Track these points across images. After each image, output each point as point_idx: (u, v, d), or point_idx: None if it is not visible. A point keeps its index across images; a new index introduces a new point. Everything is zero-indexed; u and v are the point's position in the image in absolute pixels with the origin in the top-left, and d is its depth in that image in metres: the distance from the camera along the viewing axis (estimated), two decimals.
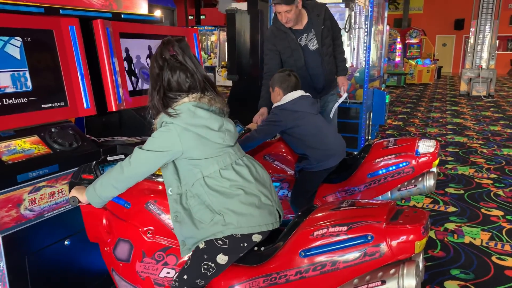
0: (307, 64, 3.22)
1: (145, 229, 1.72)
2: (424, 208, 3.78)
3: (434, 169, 2.42)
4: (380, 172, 2.41)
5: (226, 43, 14.96)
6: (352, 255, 1.43)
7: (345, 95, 3.34)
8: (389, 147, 2.49)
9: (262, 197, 1.63)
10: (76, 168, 1.86)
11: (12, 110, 1.98)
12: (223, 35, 15.27)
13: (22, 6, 2.09)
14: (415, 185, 2.39)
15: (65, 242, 1.96)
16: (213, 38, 15.49)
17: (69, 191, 1.78)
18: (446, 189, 4.27)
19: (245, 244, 1.61)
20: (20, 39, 2.03)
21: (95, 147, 2.24)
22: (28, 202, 1.85)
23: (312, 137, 2.51)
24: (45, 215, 1.89)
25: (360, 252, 1.41)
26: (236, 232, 1.58)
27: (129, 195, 1.74)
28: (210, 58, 15.87)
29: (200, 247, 1.61)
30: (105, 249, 1.81)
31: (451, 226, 3.40)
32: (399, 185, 2.43)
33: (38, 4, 2.18)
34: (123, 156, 1.90)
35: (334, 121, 3.50)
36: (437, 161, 2.36)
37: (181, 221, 1.61)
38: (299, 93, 2.56)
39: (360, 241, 1.42)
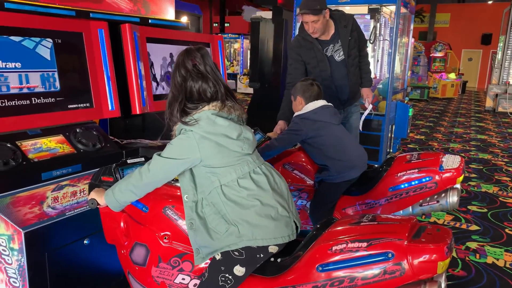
0: (332, 75, 3.20)
1: (162, 234, 1.72)
2: (445, 225, 3.68)
3: (458, 186, 2.36)
4: (402, 186, 2.36)
5: (249, 51, 15.10)
6: (371, 272, 1.38)
7: (370, 106, 3.30)
8: (412, 161, 2.44)
9: (279, 208, 1.61)
10: (97, 169, 1.88)
11: (40, 109, 2.03)
12: (246, 43, 15.39)
13: (54, 8, 2.15)
14: (438, 201, 2.33)
15: (84, 241, 1.98)
16: (236, 45, 15.62)
17: (89, 192, 1.80)
18: (469, 207, 4.15)
19: (262, 255, 1.59)
20: (51, 40, 2.09)
21: (118, 149, 2.27)
22: (51, 200, 1.89)
23: (332, 147, 2.49)
24: (66, 214, 1.92)
25: (380, 270, 1.37)
26: (251, 244, 1.56)
27: (147, 199, 1.74)
28: (233, 66, 15.99)
29: (217, 258, 1.60)
30: (122, 251, 1.82)
31: (473, 245, 3.31)
32: (421, 200, 2.37)
33: (70, 7, 2.24)
34: (143, 159, 1.92)
35: (356, 132, 3.47)
36: (461, 178, 2.30)
37: (196, 229, 1.61)
38: (321, 102, 2.55)
39: (380, 258, 1.38)
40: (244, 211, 1.56)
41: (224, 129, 1.58)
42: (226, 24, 19.23)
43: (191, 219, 1.62)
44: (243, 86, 14.06)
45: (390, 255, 1.36)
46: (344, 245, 1.44)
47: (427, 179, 2.30)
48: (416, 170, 2.35)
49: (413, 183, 2.34)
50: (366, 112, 3.31)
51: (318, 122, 2.48)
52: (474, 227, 3.66)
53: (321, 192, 2.55)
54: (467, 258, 3.08)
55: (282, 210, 1.62)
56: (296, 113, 2.57)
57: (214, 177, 1.60)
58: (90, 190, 1.82)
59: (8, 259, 1.75)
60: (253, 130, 2.90)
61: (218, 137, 1.58)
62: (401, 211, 2.43)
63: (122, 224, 1.80)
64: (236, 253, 1.57)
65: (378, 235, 1.42)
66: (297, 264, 1.55)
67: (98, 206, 1.73)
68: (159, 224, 1.73)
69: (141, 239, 1.75)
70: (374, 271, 1.38)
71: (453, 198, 2.31)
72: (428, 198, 2.35)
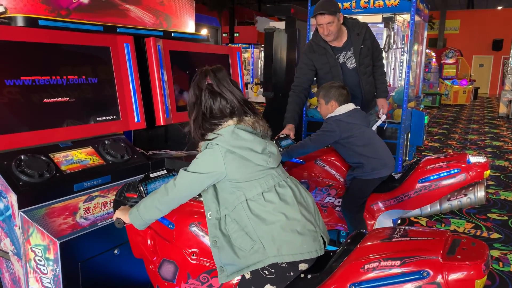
0: (345, 82, 3.21)
1: (189, 251, 1.72)
2: (465, 233, 3.66)
3: (484, 181, 2.38)
4: (432, 177, 2.40)
5: (259, 60, 15.19)
6: None
7: (383, 117, 3.31)
8: (441, 157, 2.51)
9: (306, 223, 1.59)
10: (122, 184, 1.90)
11: (71, 122, 2.09)
12: (257, 52, 15.50)
13: (84, 24, 2.21)
14: (466, 194, 2.36)
15: (115, 251, 2.01)
16: (247, 55, 15.73)
17: (114, 209, 1.82)
18: (489, 215, 4.12)
19: (292, 273, 1.57)
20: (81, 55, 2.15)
21: (144, 160, 2.32)
22: (83, 210, 1.93)
23: (365, 147, 2.58)
24: (98, 224, 1.96)
25: None
26: (277, 261, 1.54)
27: (173, 216, 1.75)
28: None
29: (247, 277, 1.58)
30: (150, 267, 1.83)
31: (495, 253, 3.28)
32: (449, 195, 2.39)
33: (98, 23, 2.30)
34: (165, 171, 1.94)
35: None
36: (488, 172, 2.36)
37: (220, 246, 1.60)
38: (352, 105, 2.65)
39: (415, 277, 1.34)
40: (269, 226, 1.55)
41: (249, 143, 1.60)
42: (235, 34, 19.40)
43: (215, 237, 1.61)
44: (254, 95, 14.12)
45: (425, 274, 1.33)
46: (377, 264, 1.40)
47: (456, 170, 2.33)
48: (445, 163, 2.41)
49: (442, 174, 2.38)
50: (379, 122, 3.32)
51: (351, 124, 2.58)
52: (495, 235, 3.63)
53: (354, 188, 2.61)
54: (490, 267, 3.05)
55: (308, 225, 1.60)
56: (329, 115, 2.65)
57: (239, 191, 1.60)
58: (115, 207, 1.82)
59: (43, 269, 1.79)
60: (284, 135, 2.98)
61: (244, 150, 1.59)
62: (428, 208, 2.45)
63: (149, 241, 1.80)
64: (266, 272, 1.55)
65: (412, 253, 1.39)
66: (328, 281, 1.52)
67: (125, 225, 1.74)
68: (186, 241, 1.73)
69: (169, 256, 1.75)
70: None
71: (480, 193, 2.34)
72: (455, 192, 2.37)
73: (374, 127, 3.35)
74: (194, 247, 1.72)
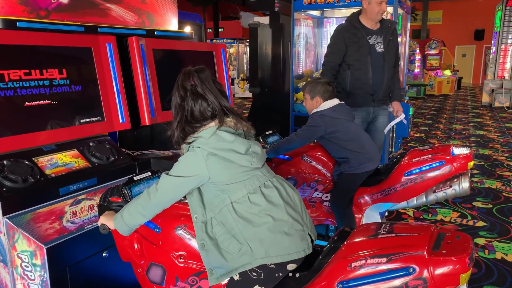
0: (371, 63, 3.30)
1: (177, 254, 1.70)
2: (451, 223, 3.72)
3: (468, 172, 2.43)
4: (417, 170, 2.44)
5: (244, 56, 15.14)
6: None
7: (402, 115, 3.38)
8: (426, 150, 2.55)
9: (293, 223, 1.59)
10: (109, 184, 1.88)
11: (54, 125, 2.05)
12: (242, 47, 15.45)
13: (64, 25, 2.18)
14: (451, 186, 2.40)
15: (104, 254, 2.00)
16: (232, 50, 15.67)
17: (98, 214, 1.79)
18: (474, 203, 4.20)
19: (280, 274, 1.57)
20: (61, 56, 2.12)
21: (131, 161, 2.30)
22: (70, 214, 1.91)
23: (351, 142, 2.61)
24: (85, 227, 1.93)
25: (401, 285, 1.35)
26: (265, 262, 1.54)
27: (159, 219, 1.72)
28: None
29: (235, 279, 1.57)
30: (138, 270, 1.81)
31: (481, 241, 3.34)
32: (434, 187, 2.42)
33: (79, 23, 2.27)
34: (149, 173, 1.91)
35: (381, 136, 3.52)
36: (471, 163, 2.39)
37: (208, 249, 1.58)
38: (337, 101, 2.68)
39: (401, 273, 1.35)
40: (256, 229, 1.54)
41: (231, 144, 1.58)
42: (220, 30, 19.29)
43: (202, 240, 1.59)
44: (241, 91, 14.10)
45: (411, 270, 1.34)
46: (364, 261, 1.42)
47: (440, 163, 2.37)
48: (430, 156, 2.44)
49: (426, 167, 2.41)
50: (397, 120, 3.39)
51: (336, 118, 2.61)
52: (480, 223, 3.70)
53: (342, 183, 2.63)
54: (476, 255, 3.11)
55: (295, 224, 1.60)
56: (314, 110, 2.68)
57: (224, 194, 1.58)
58: (99, 212, 1.79)
59: (31, 275, 1.77)
60: (271, 132, 2.99)
61: (226, 152, 1.57)
62: (415, 200, 2.48)
63: (135, 245, 1.78)
64: (254, 274, 1.55)
65: (397, 249, 1.40)
66: (316, 280, 1.53)
67: (110, 230, 1.71)
68: (172, 244, 1.71)
69: (156, 260, 1.73)
70: (395, 286, 1.36)
71: (465, 184, 2.38)
72: (441, 184, 2.41)
73: (391, 125, 3.47)
74: (181, 250, 1.70)
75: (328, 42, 3.52)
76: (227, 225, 1.57)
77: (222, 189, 1.58)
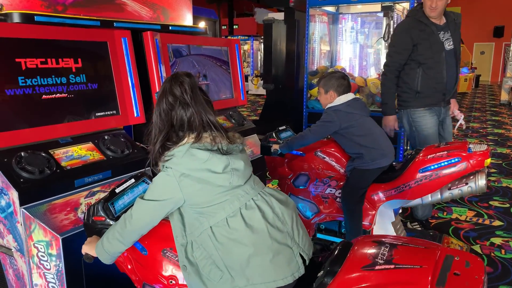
0: (445, 61, 3.11)
1: (167, 275, 1.61)
2: (467, 222, 3.66)
3: (485, 170, 2.38)
4: (432, 167, 2.38)
5: (259, 52, 15.12)
6: None
7: (462, 116, 3.25)
8: (441, 147, 2.49)
9: (278, 247, 1.44)
10: (123, 177, 1.84)
11: (70, 118, 2.09)
12: (256, 44, 15.43)
13: (81, 19, 2.20)
14: (467, 183, 2.35)
15: None
16: (246, 47, 15.66)
17: (86, 232, 1.70)
18: (491, 202, 4.12)
19: None
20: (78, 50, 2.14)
21: (145, 154, 2.31)
22: (85, 206, 1.94)
23: (365, 137, 2.57)
24: None
25: None
26: None
27: (145, 241, 1.62)
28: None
29: None
30: (135, 284, 1.74)
31: (497, 240, 3.29)
32: (449, 184, 2.38)
33: (95, 18, 2.29)
34: (133, 180, 1.79)
35: (450, 138, 3.41)
36: (488, 160, 2.34)
37: (189, 273, 1.49)
38: (352, 95, 2.64)
39: None
40: (237, 256, 1.42)
41: (206, 163, 1.43)
42: (235, 26, 19.29)
43: (183, 263, 1.50)
44: (254, 87, 14.10)
45: None
46: None
47: (456, 159, 2.32)
48: (446, 152, 2.39)
49: (442, 163, 2.36)
50: (460, 121, 3.28)
51: (351, 113, 2.57)
52: (497, 223, 3.63)
53: (354, 178, 2.60)
54: (492, 254, 3.06)
55: (282, 248, 1.45)
56: (328, 105, 2.65)
57: (202, 218, 1.46)
58: (86, 231, 1.70)
59: (46, 265, 1.80)
60: (284, 127, 2.97)
61: (200, 172, 1.43)
62: (429, 197, 2.44)
63: (128, 265, 1.69)
64: None
65: (396, 286, 1.23)
66: None
67: (94, 259, 1.64)
68: (161, 268, 1.61)
69: (148, 281, 1.65)
70: None
71: (481, 181, 2.33)
72: (456, 181, 2.37)
73: (457, 126, 3.32)
74: (170, 272, 1.60)
75: (346, 39, 3.45)
76: (208, 249, 1.46)
77: (200, 212, 1.47)
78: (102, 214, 1.64)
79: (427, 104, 3.16)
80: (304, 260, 1.52)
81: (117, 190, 1.72)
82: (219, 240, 1.44)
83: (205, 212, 1.46)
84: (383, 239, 1.47)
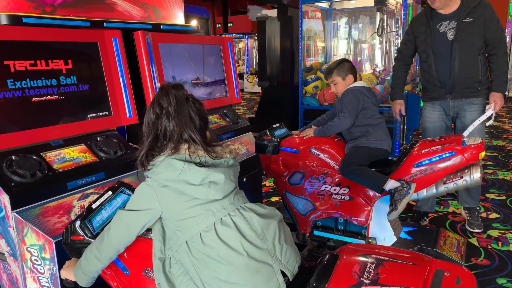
0: (437, 52, 3.06)
1: None
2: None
3: (480, 163, 2.37)
4: (426, 161, 2.37)
5: (253, 50, 15.09)
6: None
7: (489, 112, 2.71)
8: (436, 141, 2.49)
9: (256, 265, 1.39)
10: (117, 179, 1.82)
11: (62, 120, 2.06)
12: (251, 42, 15.41)
13: (70, 20, 2.18)
14: (461, 177, 2.35)
15: None
16: (241, 45, 15.64)
17: (68, 252, 1.64)
18: (487, 195, 4.13)
19: None
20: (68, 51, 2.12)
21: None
22: (78, 208, 1.92)
23: (374, 119, 2.71)
24: None
25: None
26: None
27: (126, 259, 1.57)
28: (238, 65, 16.03)
29: None
30: None
31: (494, 233, 3.29)
32: (444, 178, 2.38)
33: (84, 18, 2.27)
34: (110, 192, 1.70)
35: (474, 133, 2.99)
36: (483, 153, 2.33)
37: None
38: (365, 83, 2.83)
39: None
40: (213, 272, 1.38)
41: (183, 174, 1.41)
42: (229, 24, 19.24)
43: (159, 280, 1.46)
44: (250, 85, 14.09)
45: None
46: None
47: (450, 153, 2.32)
48: (440, 146, 2.38)
49: (436, 157, 2.35)
50: (482, 118, 2.65)
51: (367, 97, 2.71)
52: (494, 215, 3.64)
53: (353, 151, 2.65)
54: (489, 247, 3.06)
55: (260, 265, 1.40)
56: (349, 87, 2.76)
57: (179, 231, 1.44)
58: (67, 251, 1.63)
59: (40, 269, 1.79)
60: (278, 125, 2.96)
61: (178, 183, 1.42)
62: (425, 191, 2.44)
63: (114, 283, 1.62)
64: None
65: None
66: None
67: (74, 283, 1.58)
68: (144, 287, 1.55)
69: None
70: None
71: (476, 174, 2.32)
72: (451, 175, 2.36)
73: (474, 124, 2.51)
74: None
75: (336, 34, 3.50)
76: (185, 265, 1.44)
77: (176, 225, 1.44)
78: (80, 233, 1.56)
79: (430, 97, 3.24)
80: (287, 276, 1.46)
81: (93, 206, 1.63)
82: (194, 255, 1.41)
83: (180, 226, 1.44)
84: (370, 253, 1.40)
